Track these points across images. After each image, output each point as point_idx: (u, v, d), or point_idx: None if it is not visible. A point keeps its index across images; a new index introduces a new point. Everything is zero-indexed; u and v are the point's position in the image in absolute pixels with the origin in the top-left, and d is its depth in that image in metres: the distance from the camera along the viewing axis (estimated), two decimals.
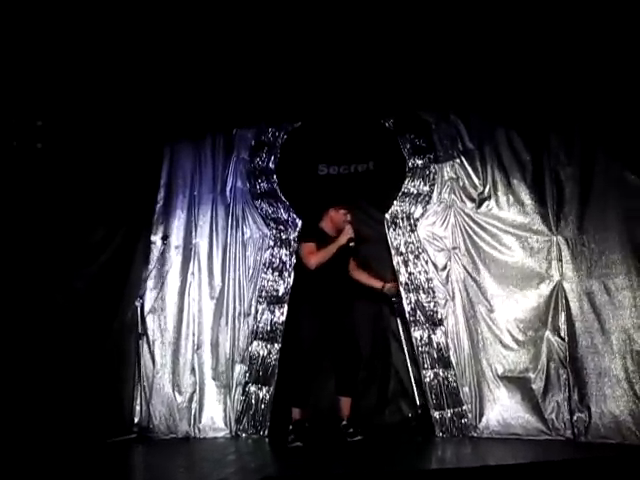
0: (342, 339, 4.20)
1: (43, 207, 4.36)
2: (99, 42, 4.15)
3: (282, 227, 4.66)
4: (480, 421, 4.11)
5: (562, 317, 4.04)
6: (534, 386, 4.05)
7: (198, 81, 4.55)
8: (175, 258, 4.76)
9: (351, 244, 4.15)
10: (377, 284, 4.36)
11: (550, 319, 4.08)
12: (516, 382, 4.10)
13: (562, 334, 4.02)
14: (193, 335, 4.61)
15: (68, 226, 4.45)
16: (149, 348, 4.61)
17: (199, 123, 4.82)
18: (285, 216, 4.68)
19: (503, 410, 4.09)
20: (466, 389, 4.18)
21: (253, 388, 4.42)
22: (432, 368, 4.24)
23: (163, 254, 4.73)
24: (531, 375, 4.07)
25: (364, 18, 3.96)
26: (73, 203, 4.49)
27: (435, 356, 4.26)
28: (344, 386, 4.20)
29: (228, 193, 4.78)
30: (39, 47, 4.08)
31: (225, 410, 4.48)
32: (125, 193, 4.70)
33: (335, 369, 4.24)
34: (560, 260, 4.11)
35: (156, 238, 4.78)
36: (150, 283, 4.71)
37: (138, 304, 4.55)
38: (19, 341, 4.15)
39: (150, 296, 4.69)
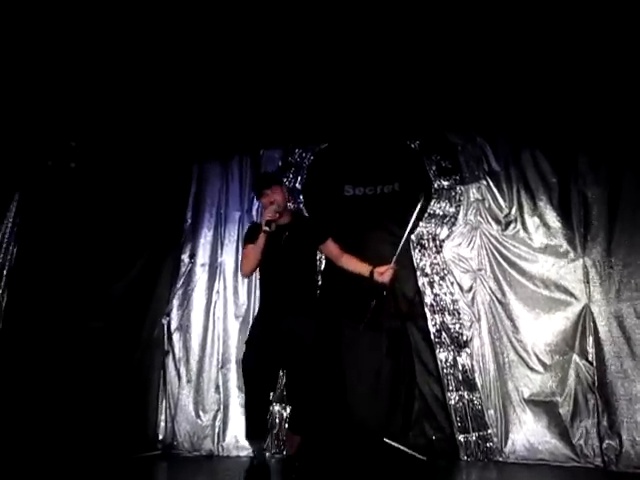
0: (294, 365, 3.46)
1: (75, 225, 4.45)
2: (131, 66, 4.25)
3: None
4: (506, 445, 4.04)
5: (590, 341, 3.98)
6: (561, 411, 3.98)
7: (227, 102, 4.62)
8: (201, 276, 4.81)
9: (266, 228, 3.37)
10: (365, 270, 3.54)
11: (578, 342, 4.02)
12: (543, 406, 4.04)
13: (590, 358, 3.96)
14: (218, 353, 4.63)
15: (98, 243, 4.54)
16: (174, 365, 4.65)
17: (227, 143, 4.90)
18: None
19: (530, 434, 4.03)
20: (491, 412, 4.13)
21: (277, 407, 4.41)
22: (457, 390, 4.21)
23: (189, 272, 4.80)
24: (558, 399, 4.01)
25: (390, 41, 4.01)
26: (104, 221, 4.58)
27: (460, 378, 4.22)
28: (292, 422, 3.62)
29: (255, 212, 4.83)
30: (74, 73, 4.20)
31: None
32: (154, 211, 4.78)
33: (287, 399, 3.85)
34: (587, 282, 4.07)
35: (183, 256, 4.85)
36: (176, 301, 4.77)
37: (165, 322, 4.61)
38: (47, 357, 4.21)
39: (176, 314, 4.75)
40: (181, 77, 4.40)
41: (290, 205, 4.47)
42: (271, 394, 3.64)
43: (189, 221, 4.93)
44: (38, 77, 4.07)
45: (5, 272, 4.24)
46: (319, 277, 4.46)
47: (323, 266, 4.53)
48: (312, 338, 3.43)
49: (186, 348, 4.68)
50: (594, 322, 3.99)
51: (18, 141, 4.34)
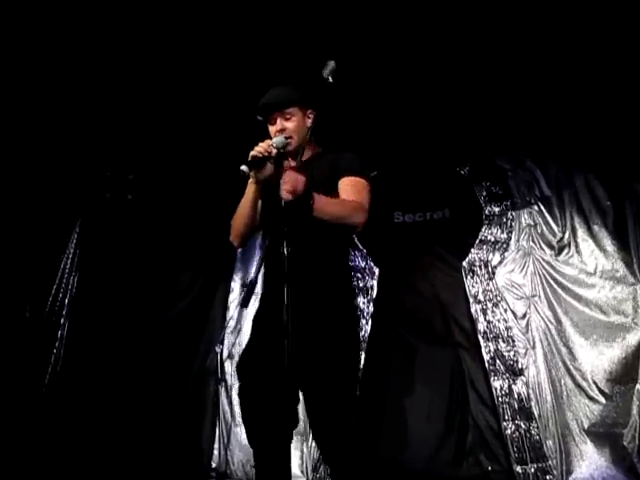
0: (309, 380, 2.32)
1: (132, 254, 4.60)
2: (185, 101, 4.42)
3: (359, 275, 4.69)
4: (567, 479, 3.89)
5: None
6: (626, 443, 3.82)
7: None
8: (253, 304, 4.85)
9: (243, 168, 2.23)
10: None
11: None
12: (605, 438, 3.89)
13: None
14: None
15: (154, 272, 4.67)
16: (227, 393, 4.68)
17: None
18: (362, 264, 4.72)
19: (592, 468, 3.86)
20: (550, 443, 4.00)
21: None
22: (513, 420, 4.10)
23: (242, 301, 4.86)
24: (622, 431, 3.85)
25: (438, 68, 4.06)
26: (160, 250, 4.72)
27: (516, 407, 4.12)
28: (324, 453, 2.52)
29: None
30: (131, 110, 4.39)
31: (302, 457, 4.44)
32: (208, 240, 4.89)
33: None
34: None
35: (235, 284, 4.93)
36: (228, 329, 4.84)
37: (218, 350, 4.66)
38: (106, 385, 4.32)
39: (228, 342, 4.80)
40: (230, 109, 4.53)
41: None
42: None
43: (240, 249, 5.01)
44: (97, 115, 4.27)
45: (67, 301, 4.40)
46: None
47: None
48: (339, 342, 2.35)
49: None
50: None
51: (78, 175, 4.54)
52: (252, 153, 2.26)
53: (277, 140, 2.37)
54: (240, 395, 2.43)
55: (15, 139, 4.12)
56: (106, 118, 4.30)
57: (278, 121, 2.50)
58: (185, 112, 4.51)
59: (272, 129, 2.53)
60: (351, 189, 2.43)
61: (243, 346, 4.51)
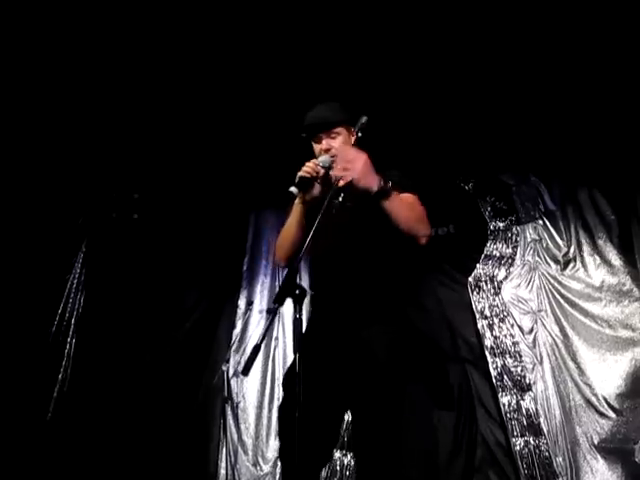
0: (363, 402, 2.22)
1: (138, 273, 4.61)
2: (190, 121, 4.46)
3: None
4: None
5: None
6: (638, 460, 3.76)
7: (282, 154, 4.76)
8: (258, 323, 4.87)
9: (292, 189, 2.30)
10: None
11: None
12: (616, 454, 3.83)
13: None
14: (277, 400, 4.62)
15: (161, 291, 4.68)
16: (233, 412, 4.66)
17: (283, 191, 5.01)
18: None
19: None
20: (560, 459, 3.96)
21: (338, 454, 4.34)
22: (522, 436, 4.06)
23: (248, 318, 4.87)
24: (633, 447, 3.79)
25: (441, 84, 4.09)
26: (166, 269, 4.73)
27: (525, 423, 4.08)
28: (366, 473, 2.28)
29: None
30: (136, 129, 4.44)
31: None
32: (214, 260, 4.91)
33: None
34: None
35: (241, 303, 4.93)
36: (235, 347, 4.83)
37: (225, 368, 4.65)
38: (113, 403, 4.31)
39: (234, 360, 4.79)
40: (237, 132, 4.57)
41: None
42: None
43: (245, 267, 5.03)
44: (102, 133, 4.31)
45: (73, 320, 4.40)
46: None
47: None
48: (390, 359, 2.24)
49: (244, 395, 4.70)
50: None
51: (84, 195, 4.57)
52: (300, 174, 2.26)
53: (323, 159, 2.35)
54: (281, 409, 2.33)
55: (22, 160, 4.16)
56: (112, 138, 4.34)
57: (324, 140, 2.47)
58: (190, 132, 4.55)
59: (317, 147, 2.49)
60: (406, 204, 2.34)
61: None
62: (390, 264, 2.41)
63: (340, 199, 2.19)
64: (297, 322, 1.90)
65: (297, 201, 2.42)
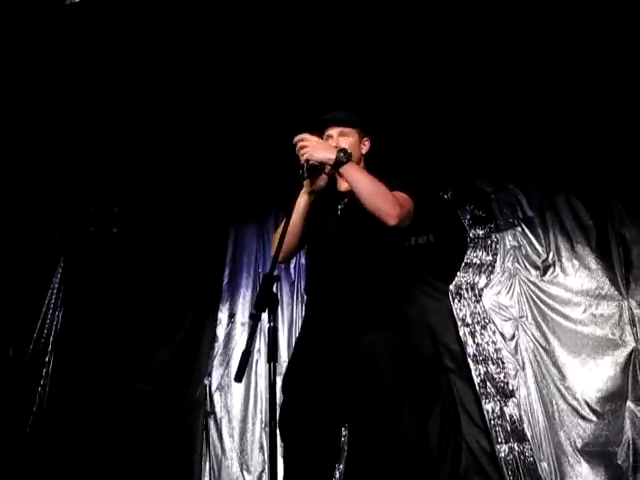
0: (361, 414, 2.16)
1: (119, 288, 4.56)
2: (166, 134, 4.45)
3: None
4: None
5: None
6: (620, 462, 3.78)
7: (261, 166, 4.77)
8: (241, 335, 4.83)
9: (305, 174, 2.31)
10: None
11: (630, 389, 3.85)
12: (599, 457, 3.84)
13: None
14: (261, 412, 4.58)
15: (142, 306, 4.63)
16: (216, 426, 4.60)
17: (262, 204, 5.02)
18: None
19: None
20: (545, 464, 3.96)
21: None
22: (506, 442, 4.07)
23: (230, 331, 4.83)
24: (616, 449, 3.81)
25: (418, 94, 4.13)
26: (147, 284, 4.69)
27: (509, 429, 4.09)
28: None
29: (292, 270, 4.88)
30: (113, 141, 4.42)
31: None
32: (195, 273, 4.88)
33: None
34: (634, 325, 3.95)
35: (222, 316, 4.89)
36: (217, 361, 4.78)
37: (207, 382, 4.62)
38: (93, 421, 4.24)
39: (217, 374, 4.75)
40: (215, 146, 4.57)
41: None
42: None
43: (225, 280, 4.99)
44: (79, 146, 4.29)
45: (52, 337, 4.34)
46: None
47: None
48: (391, 368, 2.22)
49: (227, 408, 4.65)
50: None
51: (61, 209, 4.52)
52: (307, 157, 2.29)
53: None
54: (283, 415, 2.26)
55: None
56: (90, 151, 4.31)
57: (335, 137, 2.54)
58: (169, 146, 4.54)
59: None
60: (371, 179, 2.39)
61: (232, 378, 4.52)
62: (380, 269, 2.43)
63: (305, 174, 2.28)
64: (271, 331, 1.88)
65: (304, 190, 2.40)
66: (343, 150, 2.34)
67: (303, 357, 2.33)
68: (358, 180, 2.31)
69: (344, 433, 2.68)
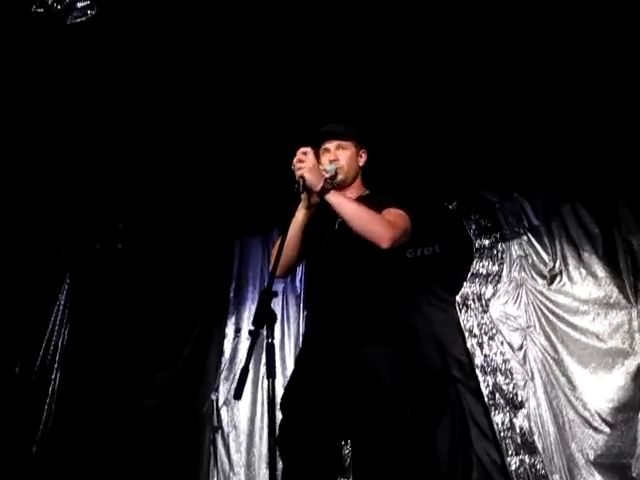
0: (364, 428, 2.18)
1: (125, 304, 4.57)
2: (170, 151, 4.47)
3: None
4: None
5: None
6: (635, 474, 3.70)
7: (265, 179, 4.78)
8: (247, 349, 4.80)
9: (299, 189, 2.30)
10: None
11: None
12: (612, 469, 3.77)
13: None
14: (268, 427, 4.54)
15: (149, 321, 4.63)
16: (224, 441, 4.58)
17: (267, 216, 5.01)
18: None
19: None
20: (556, 477, 3.88)
21: None
22: (517, 454, 4.01)
23: (236, 345, 4.81)
24: (630, 461, 3.72)
25: (421, 106, 4.13)
26: (153, 299, 4.69)
27: (519, 441, 4.03)
28: None
29: (298, 283, 4.87)
30: (118, 159, 4.45)
31: None
32: (200, 288, 4.87)
33: None
34: None
35: (228, 330, 4.88)
36: (223, 375, 4.77)
37: (214, 397, 4.60)
38: (100, 436, 4.23)
39: (223, 389, 4.73)
40: (218, 159, 4.58)
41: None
42: None
43: (232, 294, 4.98)
44: (84, 163, 4.31)
45: (58, 354, 4.34)
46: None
47: None
48: (392, 380, 2.23)
49: (234, 423, 4.62)
50: None
51: (67, 226, 4.54)
52: (301, 172, 2.30)
53: (328, 167, 2.48)
54: (282, 433, 2.25)
55: (2, 191, 4.15)
56: (94, 168, 4.34)
57: (332, 150, 2.57)
58: (173, 161, 4.56)
59: (324, 159, 2.57)
60: (388, 215, 2.42)
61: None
62: (380, 282, 2.43)
63: (301, 189, 2.30)
64: (269, 347, 1.89)
65: (302, 204, 2.43)
66: (331, 178, 2.41)
67: (303, 373, 2.35)
68: (344, 208, 2.34)
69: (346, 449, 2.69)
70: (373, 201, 2.49)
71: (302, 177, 2.27)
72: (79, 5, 3.26)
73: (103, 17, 3.36)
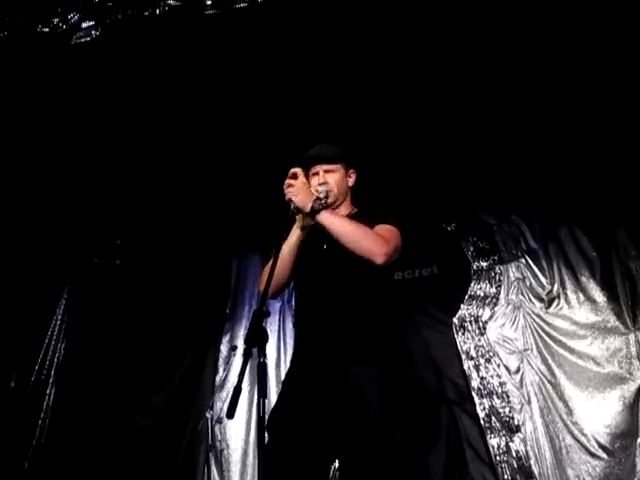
0: (351, 451, 2.16)
1: (122, 319, 4.56)
2: (170, 168, 4.50)
3: None
4: None
5: None
6: None
7: (262, 198, 4.79)
8: (240, 368, 4.78)
9: (294, 210, 2.30)
10: None
11: None
12: None
13: None
14: (258, 447, 4.51)
15: (145, 337, 4.61)
16: (217, 460, 4.55)
17: (265, 235, 5.01)
18: None
19: None
20: None
21: None
22: (513, 479, 3.98)
23: (232, 363, 4.78)
24: None
25: (422, 129, 4.16)
26: (150, 315, 4.68)
27: (515, 466, 3.99)
28: None
29: (294, 302, 4.86)
30: (117, 175, 4.47)
31: None
32: (197, 305, 4.87)
33: None
34: None
35: (223, 348, 4.86)
36: (218, 393, 4.74)
37: (209, 415, 4.56)
38: (94, 452, 4.20)
39: (218, 406, 4.70)
40: (216, 177, 4.61)
41: None
42: None
43: (228, 312, 4.98)
44: (82, 179, 4.33)
45: (53, 369, 4.32)
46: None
47: None
48: (380, 401, 2.21)
49: (227, 441, 4.60)
50: None
51: (65, 241, 4.55)
52: (291, 197, 2.30)
53: (320, 188, 2.49)
54: (268, 456, 2.13)
55: (1, 206, 4.17)
56: (92, 183, 4.36)
57: (321, 174, 2.56)
58: (172, 178, 4.58)
59: (314, 182, 2.56)
60: (380, 231, 2.41)
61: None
62: (368, 302, 2.39)
63: (295, 210, 2.31)
64: (260, 366, 1.89)
65: (296, 225, 2.43)
66: (320, 199, 2.41)
67: (291, 394, 2.33)
68: (337, 226, 2.34)
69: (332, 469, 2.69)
70: (362, 218, 2.48)
71: (291, 200, 2.29)
72: (84, 25, 3.30)
73: (107, 37, 3.40)
